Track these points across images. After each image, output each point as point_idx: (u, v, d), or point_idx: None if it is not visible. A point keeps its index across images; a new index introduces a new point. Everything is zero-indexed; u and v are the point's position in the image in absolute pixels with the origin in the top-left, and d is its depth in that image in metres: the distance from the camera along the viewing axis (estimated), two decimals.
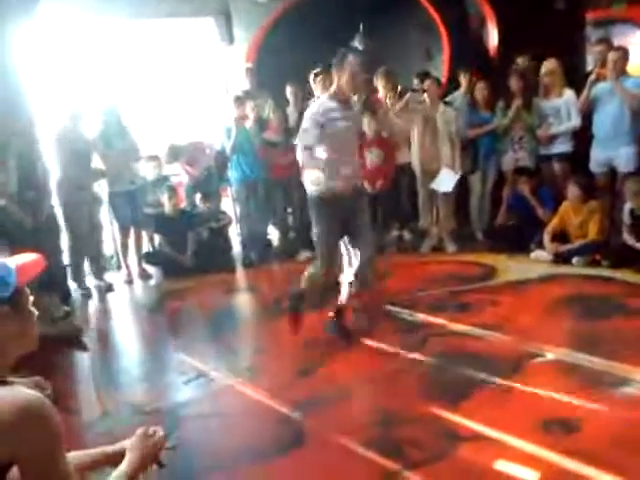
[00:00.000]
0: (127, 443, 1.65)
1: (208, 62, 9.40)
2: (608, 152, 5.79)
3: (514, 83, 6.30)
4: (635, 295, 4.71)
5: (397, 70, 6.88)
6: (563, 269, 5.50)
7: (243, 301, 6.08)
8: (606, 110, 5.74)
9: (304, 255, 6.66)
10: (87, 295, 6.14)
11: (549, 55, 6.12)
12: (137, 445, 1.63)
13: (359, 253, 4.05)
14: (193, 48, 9.51)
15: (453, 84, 7.11)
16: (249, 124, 6.75)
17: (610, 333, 3.98)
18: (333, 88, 3.97)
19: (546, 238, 5.79)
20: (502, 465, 2.67)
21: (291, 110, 6.93)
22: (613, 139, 5.73)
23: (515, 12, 6.97)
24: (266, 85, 7.42)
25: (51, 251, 4.96)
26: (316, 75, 6.24)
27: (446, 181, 6.27)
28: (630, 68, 5.78)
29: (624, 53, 5.69)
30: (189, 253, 6.67)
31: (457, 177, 6.26)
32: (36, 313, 1.49)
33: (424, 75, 6.78)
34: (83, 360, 4.67)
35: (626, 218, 5.41)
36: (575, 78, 6.26)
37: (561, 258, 5.63)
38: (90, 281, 6.39)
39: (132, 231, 6.72)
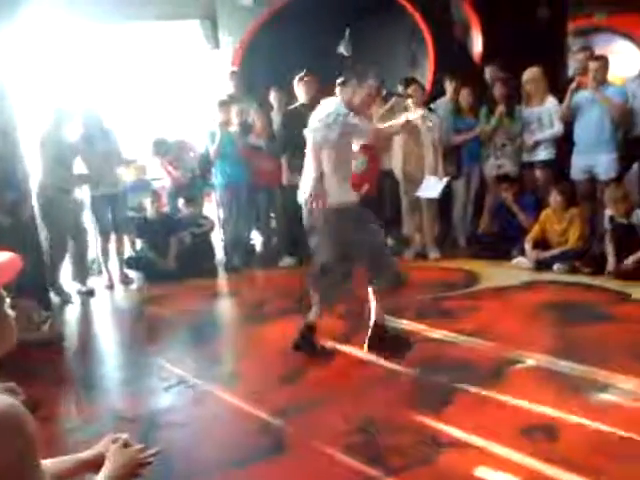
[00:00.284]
0: (102, 448, 1.62)
1: (193, 65, 9.38)
2: (589, 159, 5.85)
3: (497, 90, 6.35)
4: (615, 302, 4.77)
5: (382, 75, 6.87)
6: (544, 276, 5.55)
7: (225, 306, 6.05)
8: (587, 118, 5.81)
9: (287, 261, 6.66)
10: (66, 300, 6.06)
11: (532, 63, 6.17)
12: (118, 458, 1.60)
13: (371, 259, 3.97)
14: (179, 51, 9.50)
15: (437, 90, 7.14)
16: (233, 128, 6.73)
17: (590, 340, 4.01)
18: (343, 99, 3.92)
19: (527, 245, 5.83)
20: (483, 471, 2.67)
21: (275, 115, 6.92)
22: (594, 147, 5.79)
23: (499, 20, 7.03)
24: (251, 89, 7.42)
25: (31, 254, 4.90)
26: (300, 79, 6.24)
27: (432, 188, 6.20)
28: (610, 77, 5.86)
29: (605, 62, 5.76)
30: (171, 258, 6.64)
31: (444, 183, 6.18)
32: (13, 316, 1.46)
33: (409, 81, 6.81)
34: (63, 366, 4.61)
35: (606, 225, 5.46)
36: (557, 85, 6.32)
37: (542, 265, 5.68)
38: (71, 286, 6.33)
39: (113, 235, 6.67)
